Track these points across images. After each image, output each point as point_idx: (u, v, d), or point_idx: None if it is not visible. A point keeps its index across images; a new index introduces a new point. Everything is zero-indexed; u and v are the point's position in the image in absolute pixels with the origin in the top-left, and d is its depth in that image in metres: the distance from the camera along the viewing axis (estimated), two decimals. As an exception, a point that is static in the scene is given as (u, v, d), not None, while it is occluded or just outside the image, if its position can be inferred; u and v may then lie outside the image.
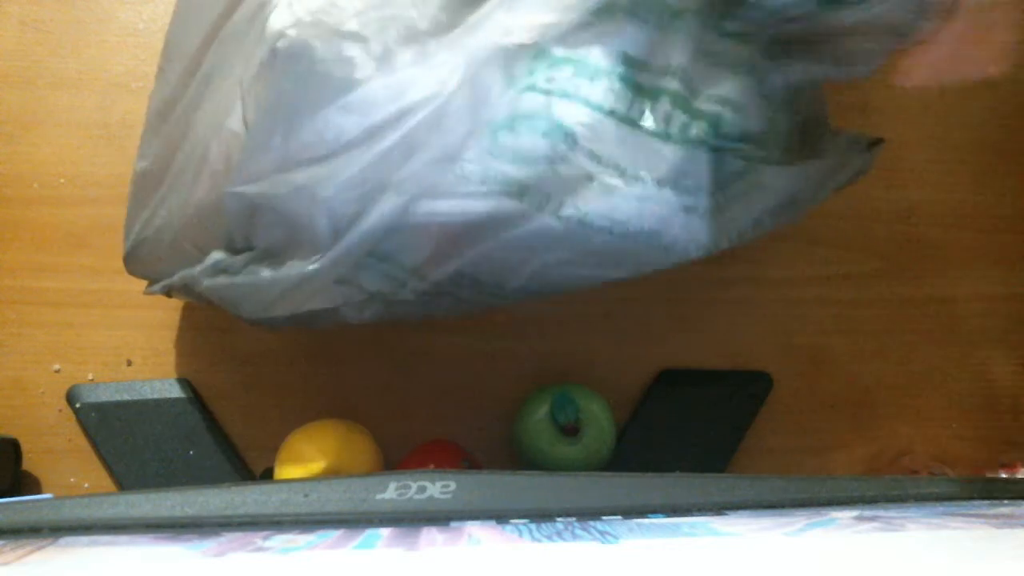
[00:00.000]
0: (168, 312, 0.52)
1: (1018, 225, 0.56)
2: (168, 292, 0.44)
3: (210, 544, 0.28)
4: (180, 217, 0.41)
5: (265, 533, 0.31)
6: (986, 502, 0.35)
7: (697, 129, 0.38)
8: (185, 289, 0.42)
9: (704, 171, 0.39)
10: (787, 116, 0.42)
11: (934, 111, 0.57)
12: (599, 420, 0.48)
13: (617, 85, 0.37)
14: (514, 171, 0.37)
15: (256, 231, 0.39)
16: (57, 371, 0.51)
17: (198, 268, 0.40)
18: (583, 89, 0.37)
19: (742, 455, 0.53)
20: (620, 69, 0.37)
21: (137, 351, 0.52)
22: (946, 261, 0.56)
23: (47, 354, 0.51)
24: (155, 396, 0.50)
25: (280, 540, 0.29)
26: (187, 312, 0.52)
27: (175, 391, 0.51)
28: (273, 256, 0.39)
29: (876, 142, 0.46)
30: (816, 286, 0.55)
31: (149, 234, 0.43)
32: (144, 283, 0.46)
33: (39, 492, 0.50)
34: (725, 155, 0.40)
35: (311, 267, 0.38)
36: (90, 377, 0.51)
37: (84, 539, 0.30)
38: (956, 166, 0.57)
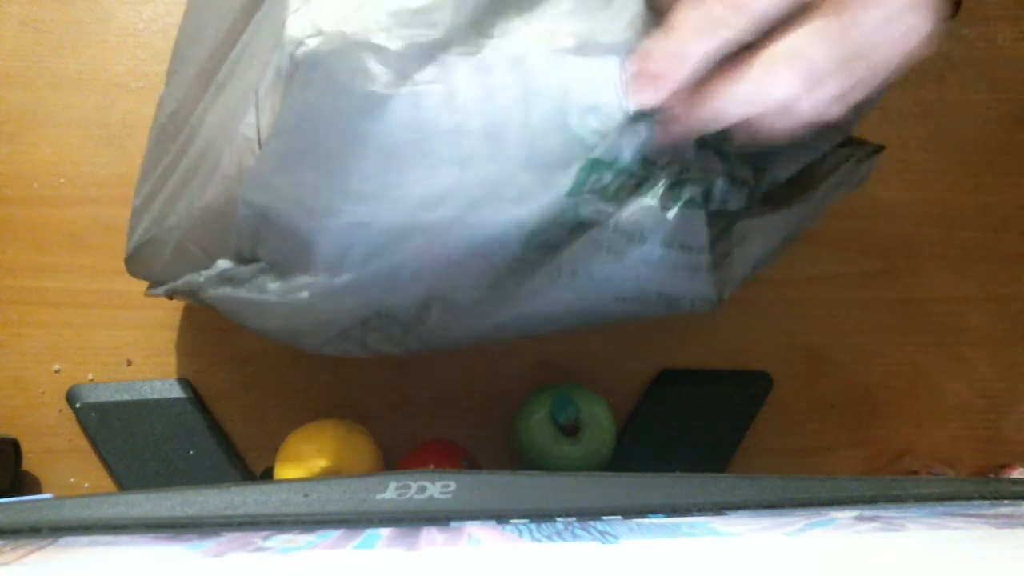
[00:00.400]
0: (168, 312, 0.52)
1: (1018, 225, 0.56)
2: (171, 295, 0.44)
3: (210, 544, 0.28)
4: (187, 220, 0.40)
5: (265, 533, 0.31)
6: (986, 502, 0.35)
7: (691, 193, 0.39)
8: (189, 294, 0.42)
9: (701, 229, 0.39)
10: (781, 173, 0.43)
11: (934, 111, 0.57)
12: (599, 420, 0.48)
13: (633, 174, 0.38)
14: (533, 237, 0.37)
15: (263, 242, 0.38)
16: (57, 371, 0.51)
17: (203, 275, 0.40)
18: (605, 180, 0.37)
19: (742, 455, 0.53)
20: (637, 165, 0.37)
21: (137, 351, 0.52)
22: (946, 261, 0.56)
23: (47, 354, 0.51)
24: (155, 396, 0.50)
25: (280, 540, 0.29)
26: (187, 312, 0.52)
27: (175, 391, 0.51)
28: (280, 271, 0.39)
29: (877, 150, 0.46)
30: (816, 286, 0.55)
31: (153, 235, 0.43)
32: (144, 285, 0.46)
33: (39, 492, 0.50)
34: (718, 213, 0.40)
35: (317, 291, 0.37)
36: (90, 377, 0.51)
37: (84, 539, 0.30)
38: (956, 166, 0.57)
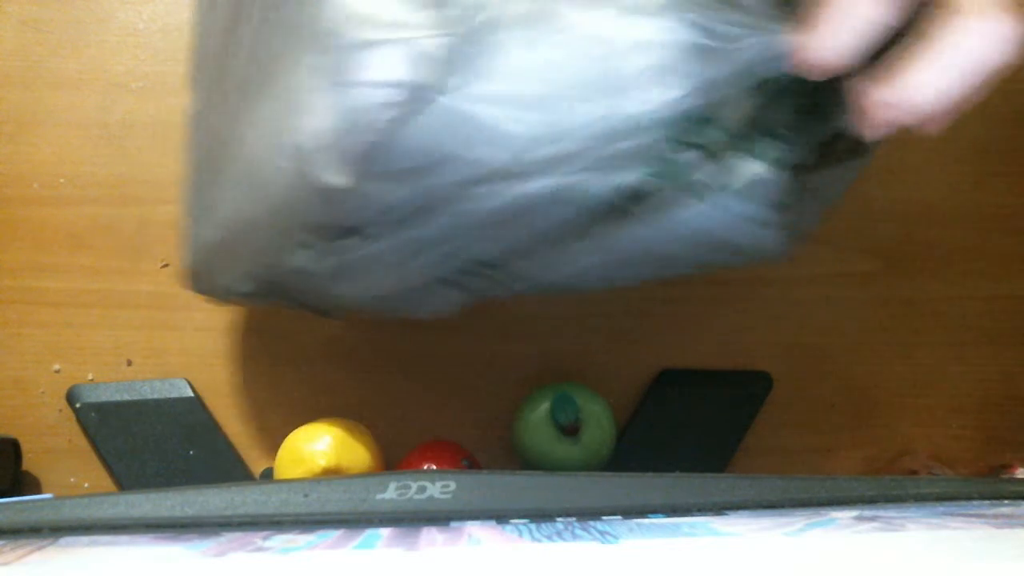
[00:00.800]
0: (168, 312, 0.52)
1: (1018, 225, 0.56)
2: (249, 298, 0.43)
3: (210, 544, 0.28)
4: (249, 227, 0.39)
5: (265, 533, 0.31)
6: (986, 502, 0.35)
7: (776, 151, 0.39)
8: (267, 285, 0.41)
9: (781, 185, 0.39)
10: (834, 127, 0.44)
11: (934, 111, 0.57)
12: (599, 420, 0.48)
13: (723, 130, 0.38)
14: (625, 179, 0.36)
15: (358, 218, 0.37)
16: (57, 371, 0.51)
17: (301, 256, 0.39)
18: (698, 133, 0.37)
19: (742, 455, 0.53)
20: (725, 124, 0.38)
21: (137, 351, 0.52)
22: (946, 261, 0.56)
23: (47, 354, 0.51)
24: (155, 396, 0.50)
25: (280, 540, 0.29)
26: (187, 312, 0.52)
27: (175, 391, 0.51)
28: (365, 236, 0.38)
29: None
30: (816, 286, 0.55)
31: (216, 247, 0.42)
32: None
33: (39, 492, 0.50)
34: (794, 167, 0.40)
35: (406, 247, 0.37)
36: (90, 377, 0.51)
37: (84, 539, 0.30)
38: (956, 166, 0.57)
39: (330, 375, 0.52)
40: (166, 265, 0.52)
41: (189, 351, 0.52)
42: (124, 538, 0.31)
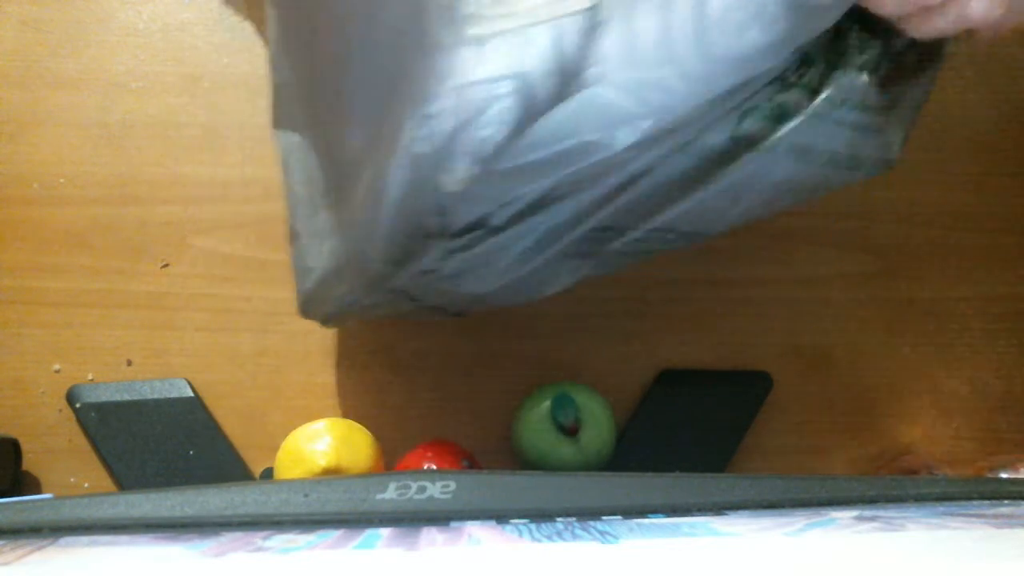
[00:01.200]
0: (168, 312, 0.52)
1: (1018, 225, 0.56)
2: (369, 310, 0.43)
3: (210, 544, 0.28)
4: (374, 237, 0.39)
5: (265, 533, 0.31)
6: (986, 502, 0.35)
7: (866, 58, 0.40)
8: (393, 293, 0.41)
9: (878, 90, 0.40)
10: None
11: (934, 111, 0.57)
12: (599, 420, 0.48)
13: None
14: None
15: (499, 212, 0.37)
16: (57, 371, 0.51)
17: (425, 260, 0.39)
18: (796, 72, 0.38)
19: (742, 455, 0.53)
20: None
21: (137, 351, 0.52)
22: (946, 261, 0.56)
23: (47, 354, 0.51)
24: (155, 396, 0.50)
25: (280, 540, 0.29)
26: (187, 312, 0.52)
27: (175, 391, 0.51)
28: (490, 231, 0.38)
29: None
30: (816, 286, 0.55)
31: (331, 269, 0.42)
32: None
33: (39, 492, 0.50)
34: (872, 74, 0.41)
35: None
36: (90, 377, 0.51)
37: (84, 539, 0.30)
38: (956, 166, 0.57)
39: (330, 375, 0.52)
40: (166, 265, 0.52)
41: (189, 351, 0.52)
42: (124, 538, 0.31)
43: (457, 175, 0.35)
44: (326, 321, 0.46)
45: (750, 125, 0.39)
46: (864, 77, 0.40)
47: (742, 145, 0.39)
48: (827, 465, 0.54)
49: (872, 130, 0.41)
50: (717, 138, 0.39)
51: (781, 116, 0.39)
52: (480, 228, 0.38)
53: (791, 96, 0.39)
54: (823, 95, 0.39)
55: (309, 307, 0.45)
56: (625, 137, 0.35)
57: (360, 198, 0.39)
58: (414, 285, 0.41)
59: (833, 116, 0.39)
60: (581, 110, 0.34)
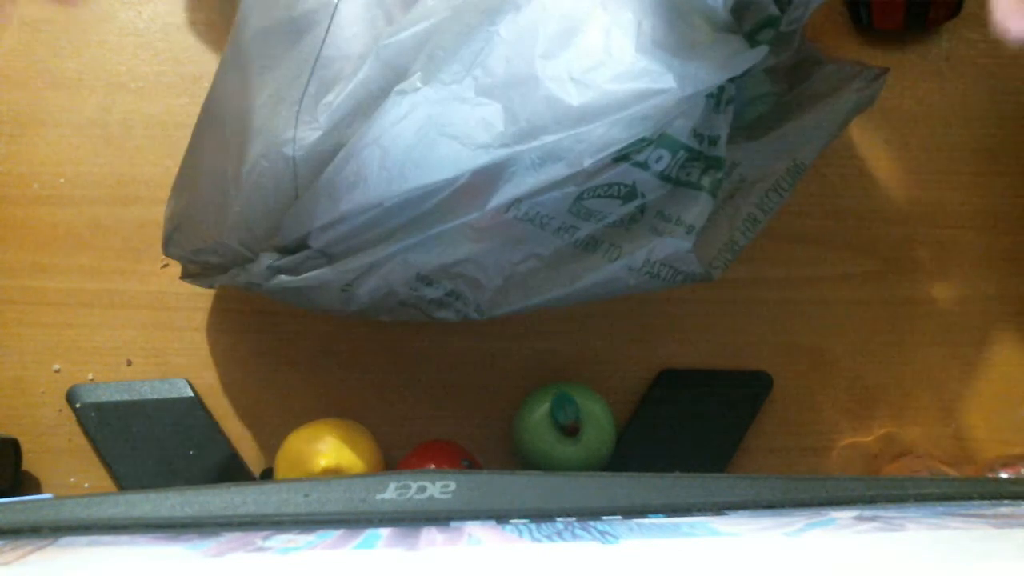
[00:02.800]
0: (168, 312, 0.52)
1: (1018, 225, 0.56)
2: (211, 284, 0.46)
3: (210, 544, 0.28)
4: (221, 216, 0.42)
5: (265, 533, 0.31)
6: (986, 502, 0.35)
7: (714, 176, 0.42)
8: (245, 287, 0.43)
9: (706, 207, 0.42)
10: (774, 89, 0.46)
11: (934, 111, 0.57)
12: (599, 420, 0.48)
13: (683, 155, 0.40)
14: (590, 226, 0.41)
15: (323, 228, 0.40)
16: (57, 371, 0.51)
17: (254, 269, 0.41)
18: (663, 161, 0.40)
19: (742, 455, 0.53)
20: (689, 141, 0.40)
21: (137, 351, 0.52)
22: (946, 261, 0.56)
23: (47, 354, 0.51)
24: (155, 396, 0.50)
25: (280, 540, 0.29)
26: (187, 312, 0.52)
27: (175, 391, 0.51)
28: (331, 256, 0.41)
29: (883, 72, 0.47)
30: (816, 286, 0.55)
31: (186, 218, 0.44)
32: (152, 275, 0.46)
33: (39, 492, 0.50)
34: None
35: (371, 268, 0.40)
36: (90, 377, 0.51)
37: (84, 539, 0.30)
38: (956, 166, 0.57)
39: (330, 375, 0.52)
40: (166, 265, 0.52)
41: (189, 351, 0.52)
42: (124, 538, 0.31)
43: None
44: (186, 271, 0.47)
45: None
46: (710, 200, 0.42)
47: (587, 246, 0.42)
48: (827, 465, 0.54)
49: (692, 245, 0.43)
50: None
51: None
52: (304, 249, 0.40)
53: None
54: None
55: (170, 249, 0.46)
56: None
57: (203, 186, 0.43)
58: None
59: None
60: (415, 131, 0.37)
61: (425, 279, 0.41)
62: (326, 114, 0.37)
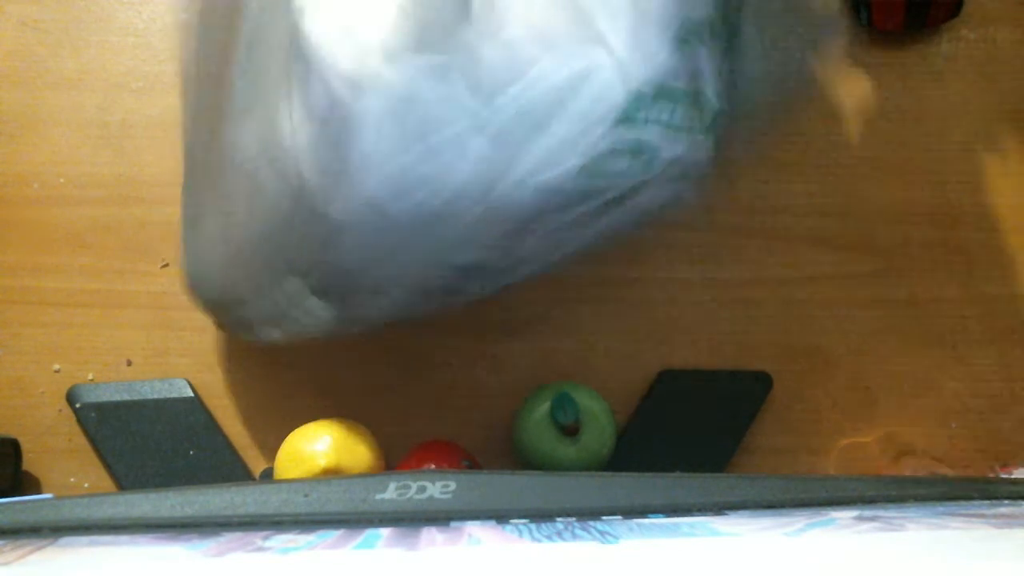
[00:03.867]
0: (168, 312, 0.52)
1: (1018, 225, 0.56)
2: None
3: (210, 544, 0.28)
4: (238, 243, 0.41)
5: (265, 533, 0.31)
6: (986, 502, 0.35)
7: (709, 116, 0.40)
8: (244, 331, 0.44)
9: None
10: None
11: (934, 111, 0.57)
12: (599, 420, 0.48)
13: (684, 102, 0.39)
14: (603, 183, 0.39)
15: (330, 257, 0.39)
16: (57, 371, 0.51)
17: (254, 318, 0.42)
18: (666, 114, 0.39)
19: (742, 455, 0.53)
20: (687, 86, 0.39)
21: (137, 351, 0.52)
22: (946, 261, 0.56)
23: (47, 354, 0.51)
24: (155, 396, 0.50)
25: (280, 540, 0.29)
26: (187, 312, 0.52)
27: (175, 391, 0.51)
28: (328, 294, 0.40)
29: None
30: (816, 286, 0.55)
31: (206, 261, 0.44)
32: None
33: (39, 492, 0.50)
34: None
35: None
36: (90, 377, 0.51)
37: (84, 539, 0.30)
38: (956, 166, 0.57)
39: (330, 375, 0.52)
40: (166, 265, 0.52)
41: (189, 351, 0.52)
42: (124, 538, 0.31)
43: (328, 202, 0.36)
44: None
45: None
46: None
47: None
48: (827, 465, 0.54)
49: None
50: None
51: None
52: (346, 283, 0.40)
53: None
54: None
55: (193, 295, 0.46)
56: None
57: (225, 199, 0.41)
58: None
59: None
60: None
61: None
62: None
